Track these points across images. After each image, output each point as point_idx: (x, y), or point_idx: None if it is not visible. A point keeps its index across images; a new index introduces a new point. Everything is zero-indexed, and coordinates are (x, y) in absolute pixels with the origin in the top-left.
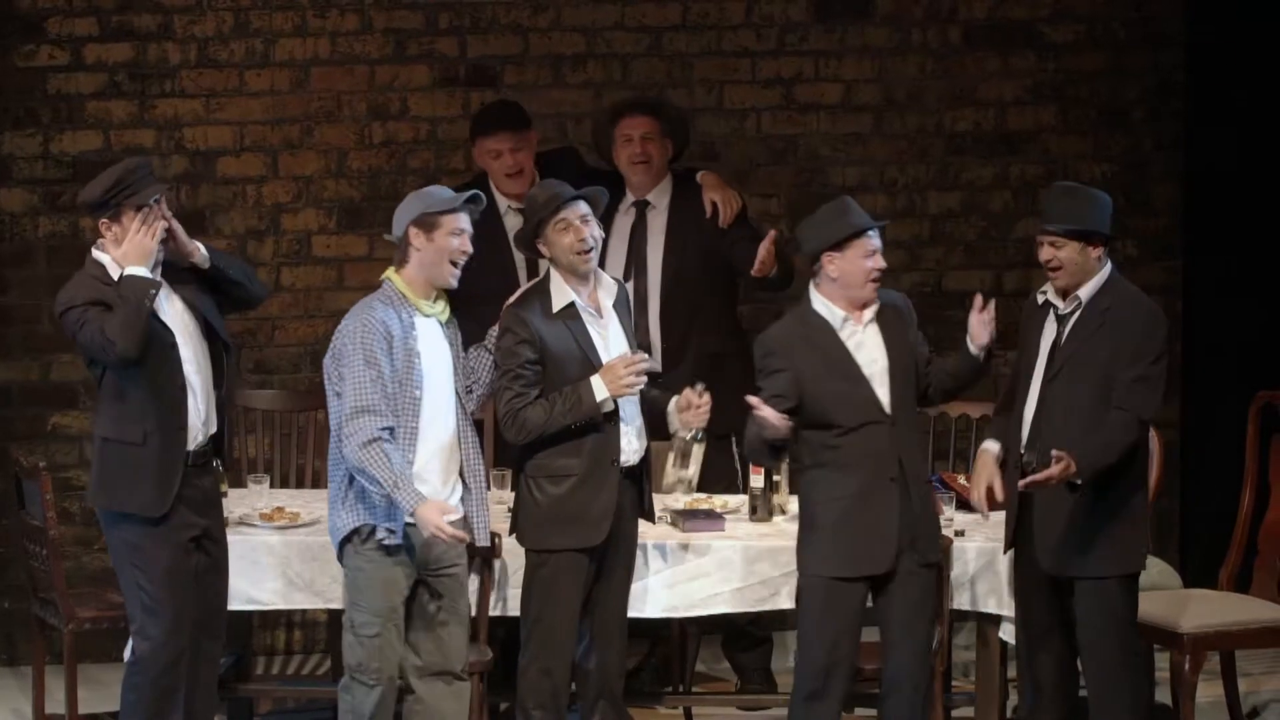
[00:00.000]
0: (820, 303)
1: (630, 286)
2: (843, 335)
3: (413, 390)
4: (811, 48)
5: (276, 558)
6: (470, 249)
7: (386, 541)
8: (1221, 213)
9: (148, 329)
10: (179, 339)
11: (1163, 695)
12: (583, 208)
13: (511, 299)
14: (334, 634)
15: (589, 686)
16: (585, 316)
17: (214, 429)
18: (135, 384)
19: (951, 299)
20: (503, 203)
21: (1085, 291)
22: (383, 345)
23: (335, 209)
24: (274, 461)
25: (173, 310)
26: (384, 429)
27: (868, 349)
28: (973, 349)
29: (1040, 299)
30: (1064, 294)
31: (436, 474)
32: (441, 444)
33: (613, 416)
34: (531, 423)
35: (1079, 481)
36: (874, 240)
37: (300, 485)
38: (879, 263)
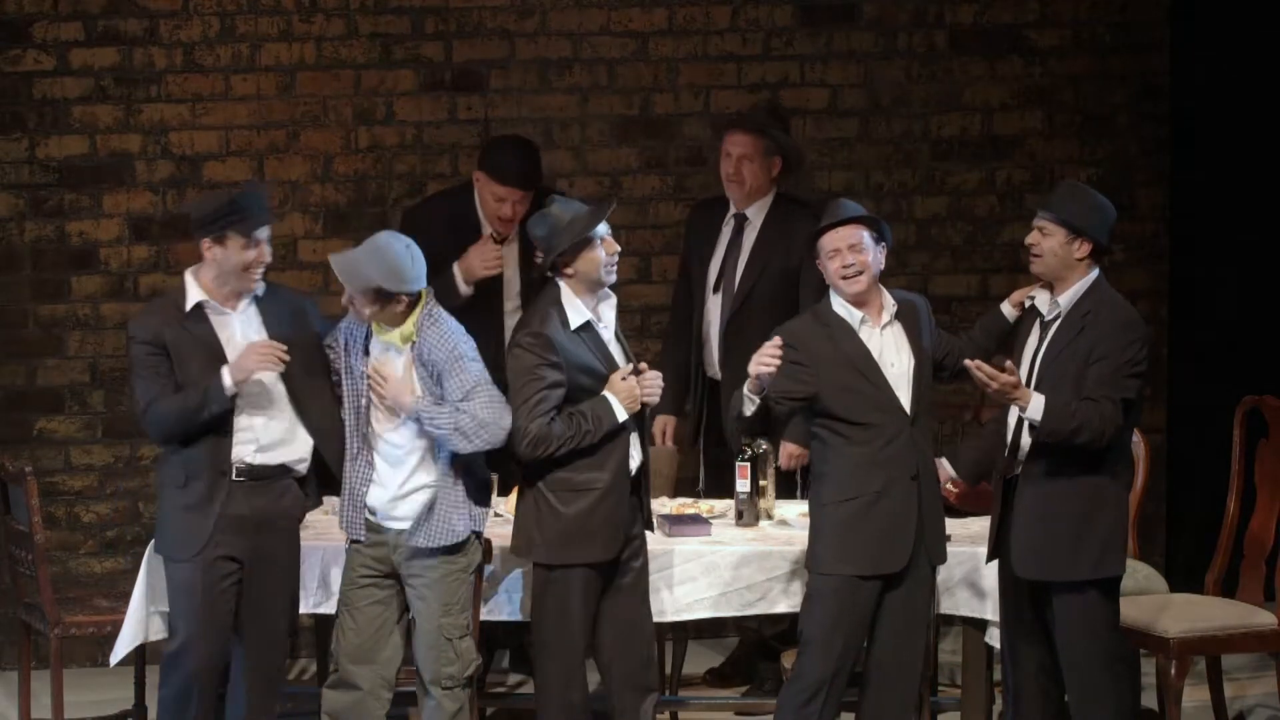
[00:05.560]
0: (839, 304)
1: (719, 297)
2: (862, 335)
3: (357, 400)
4: (797, 52)
5: None
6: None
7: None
8: (1207, 216)
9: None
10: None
11: (1149, 699)
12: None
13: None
14: (321, 638)
15: (616, 697)
16: (599, 330)
17: (294, 453)
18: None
19: (938, 304)
20: (485, 229)
21: (1066, 298)
22: (335, 341)
23: (321, 214)
24: None
25: (243, 343)
26: None
27: (888, 350)
28: (1008, 310)
29: (1027, 303)
30: (1047, 288)
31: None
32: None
33: (626, 430)
34: (550, 440)
35: (1035, 422)
36: (837, 238)
37: None
38: (844, 260)
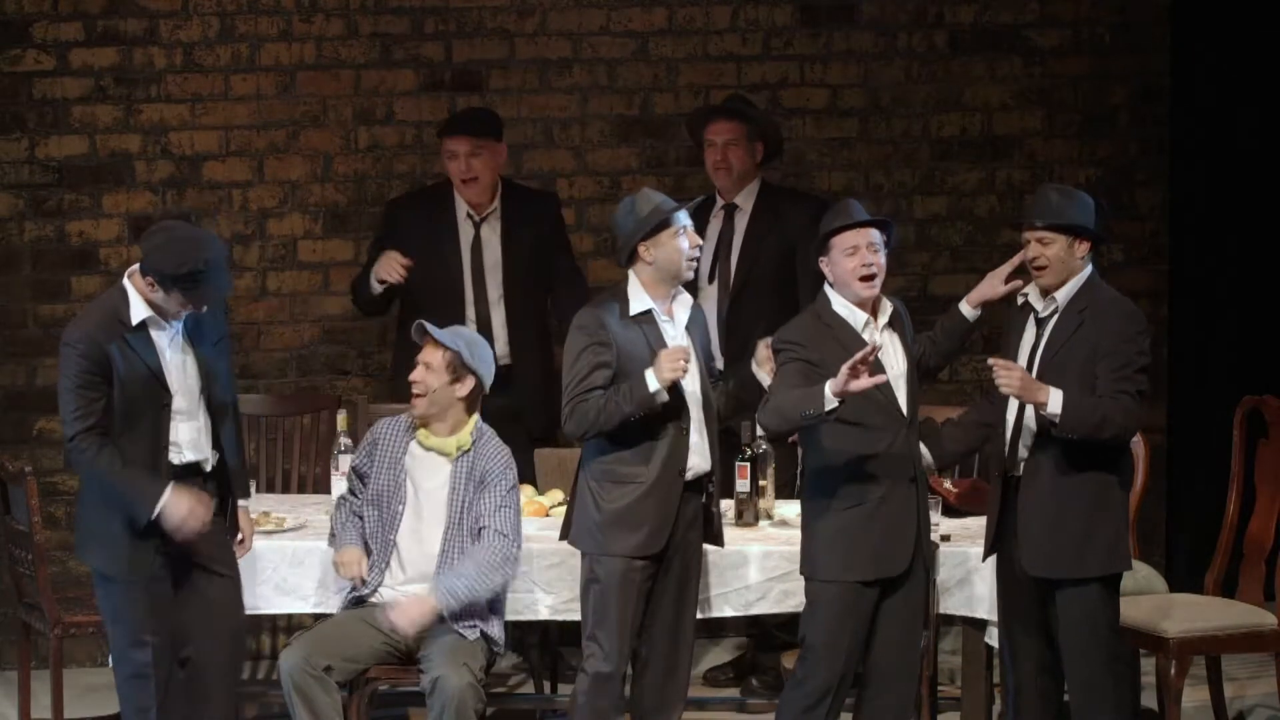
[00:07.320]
0: (840, 304)
1: (714, 287)
2: (865, 337)
3: (396, 505)
4: (797, 52)
5: (263, 563)
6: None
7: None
8: (1207, 217)
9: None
10: (176, 388)
11: (1148, 700)
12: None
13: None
14: None
15: (644, 701)
16: (660, 322)
17: (203, 451)
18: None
19: (937, 304)
20: (461, 209)
21: (1063, 294)
22: (366, 449)
23: (321, 214)
24: (259, 466)
25: (175, 358)
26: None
27: (887, 353)
28: (968, 310)
29: (1020, 300)
30: (1045, 293)
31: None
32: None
33: (683, 429)
34: (588, 414)
35: (1057, 422)
36: (858, 236)
37: (286, 490)
38: (864, 259)
